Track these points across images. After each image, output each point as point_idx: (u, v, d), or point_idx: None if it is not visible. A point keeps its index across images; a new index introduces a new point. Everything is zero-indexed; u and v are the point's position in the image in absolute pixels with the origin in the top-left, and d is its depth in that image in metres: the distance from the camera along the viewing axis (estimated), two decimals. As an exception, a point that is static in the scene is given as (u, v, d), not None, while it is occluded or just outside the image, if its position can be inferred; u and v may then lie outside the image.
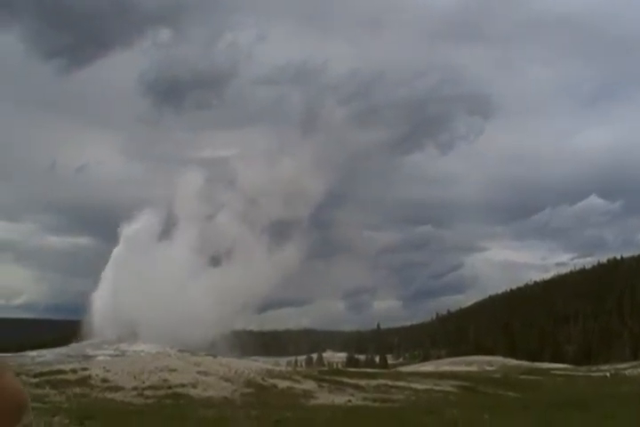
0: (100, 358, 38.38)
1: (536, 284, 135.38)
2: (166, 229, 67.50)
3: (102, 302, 59.66)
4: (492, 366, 68.25)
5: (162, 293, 60.25)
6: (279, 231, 78.51)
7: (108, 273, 62.80)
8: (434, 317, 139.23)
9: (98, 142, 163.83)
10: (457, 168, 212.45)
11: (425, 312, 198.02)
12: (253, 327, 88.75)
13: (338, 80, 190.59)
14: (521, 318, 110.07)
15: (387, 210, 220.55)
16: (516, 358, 79.25)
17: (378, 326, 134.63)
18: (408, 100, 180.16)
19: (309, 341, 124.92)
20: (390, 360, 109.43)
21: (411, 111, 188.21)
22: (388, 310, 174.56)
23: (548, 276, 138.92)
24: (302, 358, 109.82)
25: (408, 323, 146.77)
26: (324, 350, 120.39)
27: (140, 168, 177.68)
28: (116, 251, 64.41)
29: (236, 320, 67.84)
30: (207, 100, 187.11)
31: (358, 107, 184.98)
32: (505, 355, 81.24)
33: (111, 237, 66.78)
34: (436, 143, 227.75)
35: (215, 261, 68.54)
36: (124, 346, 47.96)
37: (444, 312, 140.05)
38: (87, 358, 39.05)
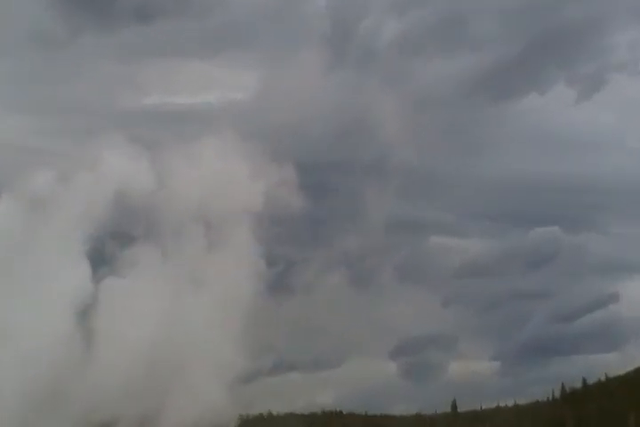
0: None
1: None
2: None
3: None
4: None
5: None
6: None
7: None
8: (557, 392, 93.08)
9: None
10: (608, 122, 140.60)
11: (541, 383, 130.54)
12: (231, 408, 55.24)
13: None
14: None
15: (474, 198, 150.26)
16: None
17: (454, 405, 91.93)
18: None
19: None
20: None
21: (527, 22, 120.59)
22: (473, 376, 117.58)
23: None
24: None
25: (510, 401, 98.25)
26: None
27: (39, 122, 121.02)
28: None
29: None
30: (160, 4, 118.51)
31: (429, 17, 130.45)
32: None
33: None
34: (570, 78, 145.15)
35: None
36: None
37: (578, 384, 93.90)
38: None
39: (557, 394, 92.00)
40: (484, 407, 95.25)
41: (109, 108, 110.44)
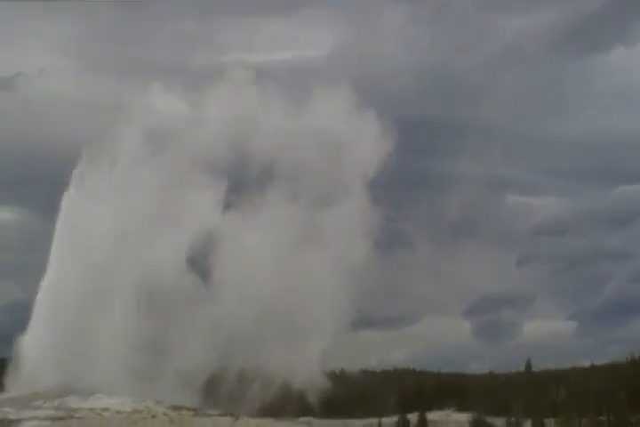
0: (32, 423, 32.70)
1: None
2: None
3: (38, 327, 44.02)
4: None
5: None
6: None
7: (50, 275, 45.65)
8: (636, 353, 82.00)
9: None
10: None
11: (621, 344, 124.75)
12: (316, 364, 54.28)
13: None
14: None
15: (557, 155, 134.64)
16: None
17: (528, 365, 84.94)
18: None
19: (405, 389, 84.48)
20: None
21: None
22: (548, 337, 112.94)
23: None
24: (391, 420, 74.28)
25: (586, 362, 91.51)
26: (432, 408, 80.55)
27: (109, 80, 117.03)
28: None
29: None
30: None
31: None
32: None
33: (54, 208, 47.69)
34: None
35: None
36: (71, 401, 38.09)
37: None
38: (6, 424, 32.41)
39: (636, 355, 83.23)
40: (559, 368, 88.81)
41: (188, 66, 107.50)
